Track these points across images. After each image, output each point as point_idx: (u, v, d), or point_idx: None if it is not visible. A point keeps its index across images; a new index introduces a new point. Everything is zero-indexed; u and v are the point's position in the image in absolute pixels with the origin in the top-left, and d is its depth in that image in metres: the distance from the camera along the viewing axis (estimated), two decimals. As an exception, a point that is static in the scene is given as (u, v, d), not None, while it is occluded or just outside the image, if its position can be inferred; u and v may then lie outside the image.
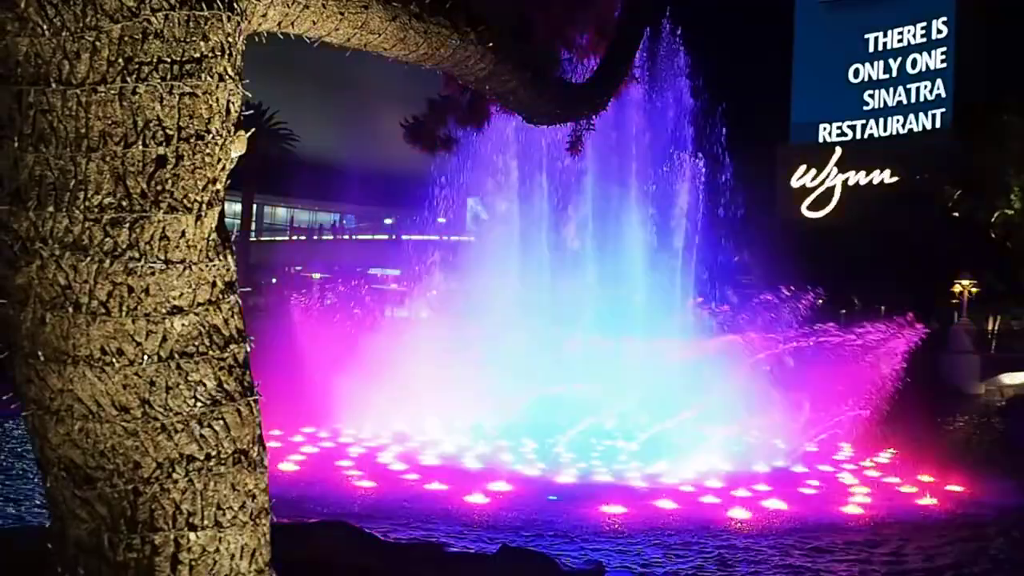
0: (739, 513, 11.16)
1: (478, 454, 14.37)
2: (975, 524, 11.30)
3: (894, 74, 49.93)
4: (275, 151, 54.82)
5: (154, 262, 2.88)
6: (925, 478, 13.59)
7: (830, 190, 47.82)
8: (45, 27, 2.78)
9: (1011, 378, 32.82)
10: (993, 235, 40.00)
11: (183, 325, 2.97)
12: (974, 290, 37.70)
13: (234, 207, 55.42)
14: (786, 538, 10.28)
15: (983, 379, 33.21)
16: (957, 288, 37.75)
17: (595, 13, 6.90)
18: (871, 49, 50.83)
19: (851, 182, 47.29)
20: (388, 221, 74.13)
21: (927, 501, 12.38)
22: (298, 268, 58.82)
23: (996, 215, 40.34)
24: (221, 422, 3.06)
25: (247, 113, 3.14)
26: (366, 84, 64.71)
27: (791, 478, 13.66)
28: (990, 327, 40.98)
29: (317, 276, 37.31)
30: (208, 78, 2.89)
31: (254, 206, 64.06)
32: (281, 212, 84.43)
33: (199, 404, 3.01)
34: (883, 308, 44.80)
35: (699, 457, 13.88)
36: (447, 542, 8.76)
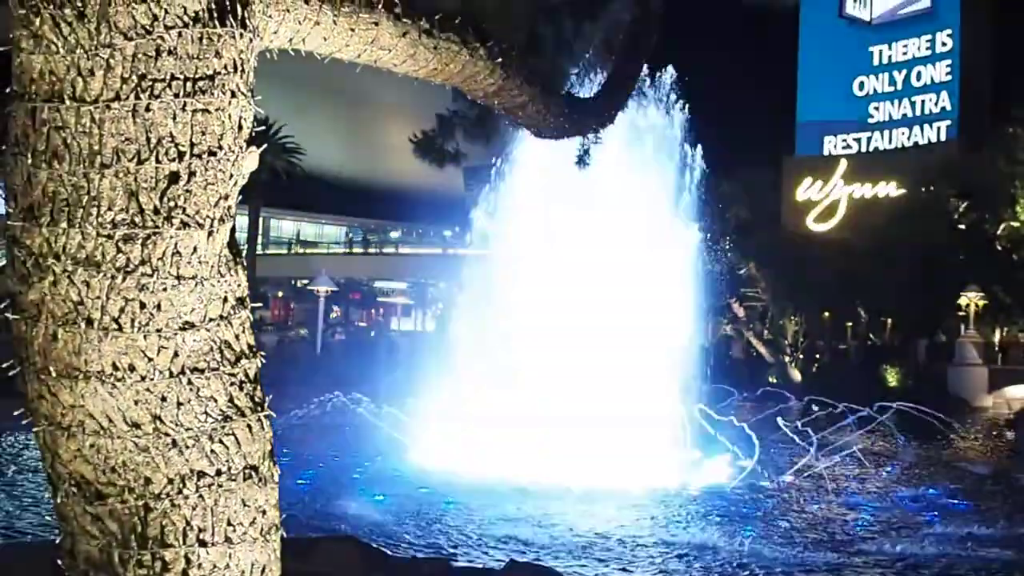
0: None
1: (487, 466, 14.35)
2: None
3: (899, 87, 49.89)
4: (282, 164, 54.91)
5: (166, 278, 2.88)
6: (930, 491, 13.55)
7: (836, 202, 47.74)
8: (59, 45, 2.79)
9: (1018, 391, 32.71)
10: (999, 247, 39.88)
11: (195, 341, 2.97)
12: (981, 303, 37.53)
13: (241, 220, 55.54)
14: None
15: (990, 391, 33.10)
16: (963, 300, 37.61)
17: (602, 27, 6.92)
18: (876, 62, 50.82)
19: (857, 195, 47.20)
20: (394, 234, 74.30)
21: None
22: (304, 282, 58.88)
23: (1002, 227, 40.24)
24: (232, 438, 3.06)
25: (257, 129, 3.15)
26: (374, 98, 64.95)
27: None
28: (997, 340, 40.78)
29: (324, 289, 37.17)
30: (221, 95, 2.90)
31: (261, 219, 64.14)
32: (287, 225, 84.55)
33: (210, 420, 3.01)
34: (889, 320, 44.64)
35: None
36: (454, 556, 8.74)
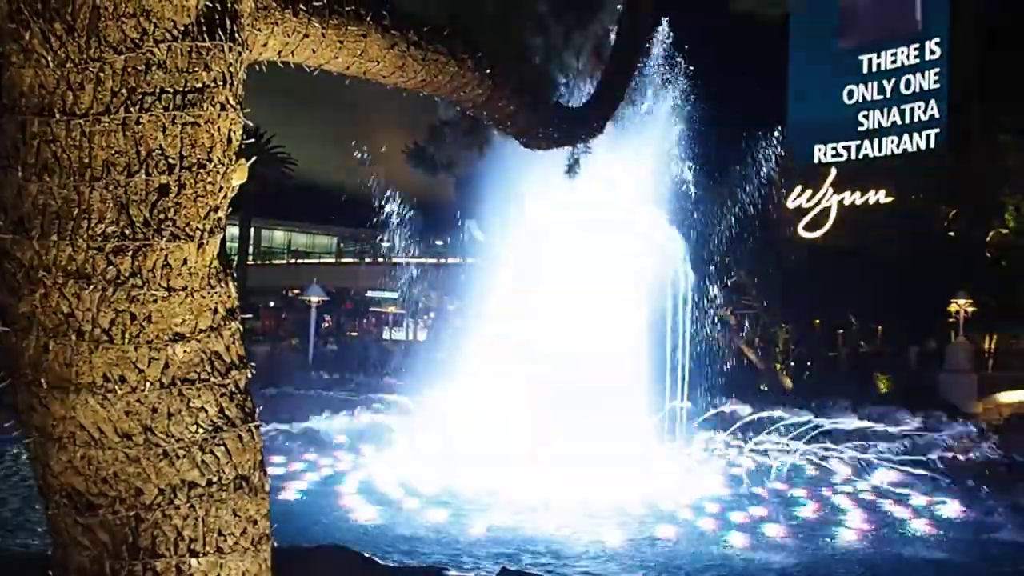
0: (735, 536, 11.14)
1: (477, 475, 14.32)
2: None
3: (888, 95, 50.16)
4: (273, 175, 54.80)
5: (156, 290, 2.90)
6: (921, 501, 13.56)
7: (826, 210, 47.82)
8: (49, 58, 2.81)
9: (1008, 397, 32.80)
10: (988, 254, 40.08)
11: (185, 352, 2.98)
12: (970, 309, 37.67)
13: (231, 230, 55.41)
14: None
15: (981, 398, 33.18)
16: (954, 307, 37.76)
17: (592, 37, 6.96)
18: (865, 70, 51.09)
19: (847, 202, 47.32)
20: (385, 244, 74.13)
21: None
22: (296, 292, 58.75)
23: (991, 234, 40.44)
24: (222, 448, 3.07)
25: (247, 141, 3.17)
26: (365, 108, 64.88)
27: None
28: (987, 346, 40.92)
29: (315, 299, 37.08)
30: (210, 107, 2.92)
31: (252, 229, 64.03)
32: (279, 235, 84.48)
33: (201, 430, 3.03)
34: (879, 327, 44.79)
35: None
36: (446, 566, 8.73)
